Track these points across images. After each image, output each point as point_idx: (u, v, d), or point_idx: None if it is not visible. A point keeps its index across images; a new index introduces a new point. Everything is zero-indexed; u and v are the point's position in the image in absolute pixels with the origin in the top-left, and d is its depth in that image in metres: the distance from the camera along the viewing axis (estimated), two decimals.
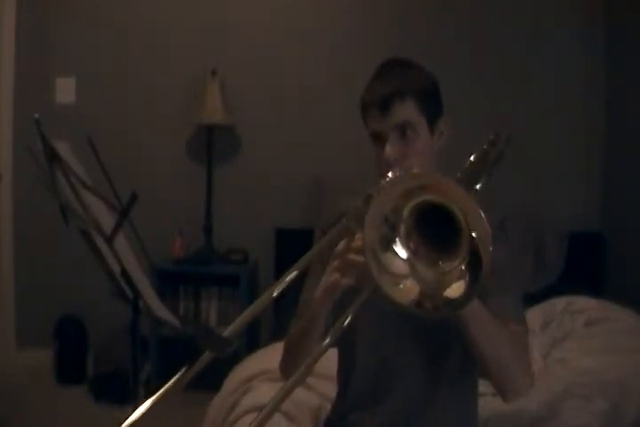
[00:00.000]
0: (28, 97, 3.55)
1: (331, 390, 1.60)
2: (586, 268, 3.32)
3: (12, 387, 3.29)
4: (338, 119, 3.36)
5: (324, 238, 1.23)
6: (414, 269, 1.03)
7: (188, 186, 3.59)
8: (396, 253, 1.04)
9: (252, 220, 3.58)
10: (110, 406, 3.09)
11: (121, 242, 1.37)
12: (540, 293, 2.97)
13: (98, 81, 3.59)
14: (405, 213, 1.04)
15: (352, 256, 1.18)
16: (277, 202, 3.58)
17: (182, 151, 3.62)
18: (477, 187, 1.21)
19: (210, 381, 2.13)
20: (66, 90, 3.59)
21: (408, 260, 1.04)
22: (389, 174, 1.25)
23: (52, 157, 1.32)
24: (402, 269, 1.03)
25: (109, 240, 1.35)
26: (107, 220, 1.35)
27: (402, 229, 1.04)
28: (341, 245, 1.21)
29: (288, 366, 1.44)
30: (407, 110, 1.31)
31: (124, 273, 1.39)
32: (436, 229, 1.03)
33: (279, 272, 3.13)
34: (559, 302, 2.74)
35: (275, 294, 1.12)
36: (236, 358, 2.39)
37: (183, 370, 1.01)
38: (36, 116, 1.32)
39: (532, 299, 2.73)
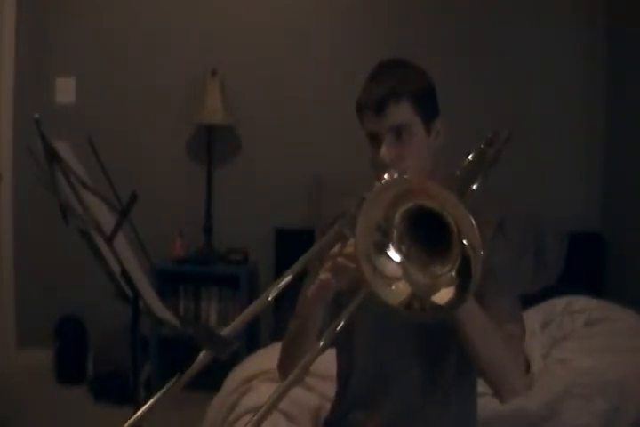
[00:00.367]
0: (28, 97, 3.55)
1: (330, 390, 1.60)
2: (586, 268, 3.31)
3: (11, 387, 3.29)
4: (338, 119, 3.35)
5: (318, 242, 1.24)
6: (407, 272, 1.04)
7: (188, 186, 3.59)
8: (390, 257, 1.05)
9: (252, 220, 3.58)
10: (110, 407, 3.09)
11: (121, 242, 1.36)
12: (540, 293, 2.98)
13: (98, 81, 3.59)
14: (397, 218, 1.04)
15: (344, 261, 1.19)
16: (277, 202, 3.58)
17: (182, 151, 3.62)
18: (474, 187, 1.21)
19: (210, 381, 2.13)
20: (66, 90, 3.59)
21: (401, 263, 1.04)
22: (385, 176, 1.25)
23: (52, 157, 1.32)
24: (395, 271, 1.04)
25: (109, 240, 1.34)
26: (107, 220, 1.35)
27: (394, 234, 1.05)
28: (336, 248, 1.22)
29: (285, 365, 1.44)
30: (402, 112, 1.31)
31: (124, 273, 1.39)
32: (428, 233, 1.03)
33: (279, 272, 3.10)
34: (559, 303, 2.74)
35: (269, 298, 1.12)
36: (235, 359, 2.39)
37: (177, 376, 1.01)
38: (36, 116, 1.31)
39: (532, 299, 2.73)
